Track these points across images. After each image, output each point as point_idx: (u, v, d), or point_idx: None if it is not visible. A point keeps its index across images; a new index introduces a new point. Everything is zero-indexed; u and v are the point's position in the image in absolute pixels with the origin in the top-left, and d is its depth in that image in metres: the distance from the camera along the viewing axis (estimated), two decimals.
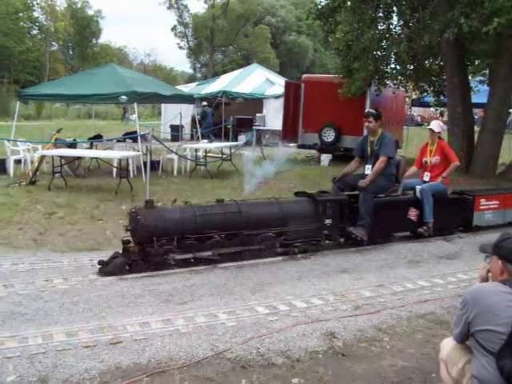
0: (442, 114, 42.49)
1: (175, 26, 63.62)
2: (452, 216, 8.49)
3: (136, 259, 5.98)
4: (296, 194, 7.73)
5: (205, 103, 24.53)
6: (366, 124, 7.66)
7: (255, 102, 25.70)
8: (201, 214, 6.31)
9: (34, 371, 3.70)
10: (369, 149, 7.74)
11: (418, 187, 8.11)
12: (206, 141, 16.94)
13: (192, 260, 6.22)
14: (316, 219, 7.08)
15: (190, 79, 58.42)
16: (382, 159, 7.46)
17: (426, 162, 8.45)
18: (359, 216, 7.37)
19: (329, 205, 7.19)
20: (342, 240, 7.52)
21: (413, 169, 8.68)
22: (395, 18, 16.09)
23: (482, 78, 18.24)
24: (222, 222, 6.43)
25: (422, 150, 8.70)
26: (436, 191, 8.11)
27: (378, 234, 7.70)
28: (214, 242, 6.30)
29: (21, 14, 54.61)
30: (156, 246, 5.94)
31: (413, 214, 7.96)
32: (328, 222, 7.16)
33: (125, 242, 6.14)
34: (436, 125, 8.50)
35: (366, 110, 7.99)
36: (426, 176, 8.39)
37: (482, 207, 8.70)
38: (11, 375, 3.64)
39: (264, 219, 6.75)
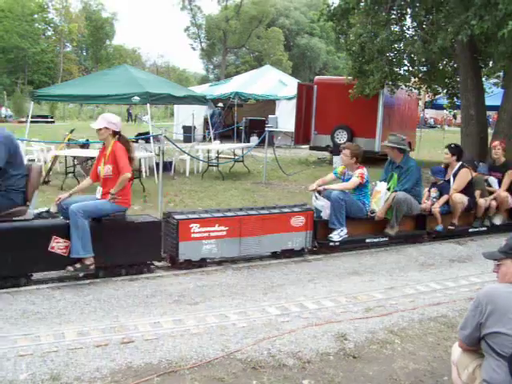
0: (455, 117, 42.34)
1: (188, 27, 64.05)
2: (139, 249, 5.96)
3: None
4: None
5: (220, 104, 24.70)
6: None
7: (268, 104, 25.74)
8: None
9: (46, 369, 3.73)
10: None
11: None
12: (218, 142, 16.96)
13: None
14: None
15: (203, 80, 58.69)
16: None
17: (100, 173, 6.03)
18: None
19: None
20: None
21: (86, 182, 6.33)
22: (408, 20, 16.02)
23: (496, 81, 18.09)
24: None
25: (99, 154, 6.19)
26: (96, 213, 5.72)
27: None
28: None
29: (36, 16, 55.32)
30: None
31: (59, 245, 5.55)
32: None
33: None
34: (103, 118, 6.00)
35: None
36: (98, 192, 5.97)
37: (194, 235, 6.16)
38: (24, 373, 3.67)
39: None
